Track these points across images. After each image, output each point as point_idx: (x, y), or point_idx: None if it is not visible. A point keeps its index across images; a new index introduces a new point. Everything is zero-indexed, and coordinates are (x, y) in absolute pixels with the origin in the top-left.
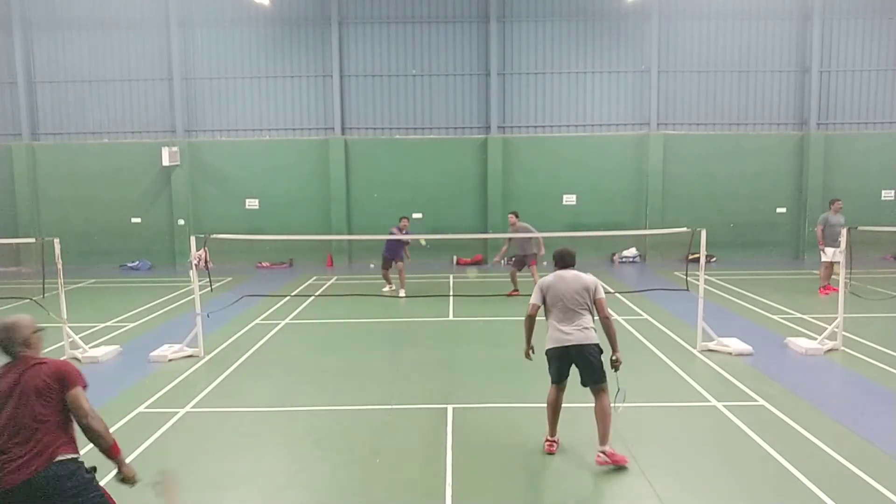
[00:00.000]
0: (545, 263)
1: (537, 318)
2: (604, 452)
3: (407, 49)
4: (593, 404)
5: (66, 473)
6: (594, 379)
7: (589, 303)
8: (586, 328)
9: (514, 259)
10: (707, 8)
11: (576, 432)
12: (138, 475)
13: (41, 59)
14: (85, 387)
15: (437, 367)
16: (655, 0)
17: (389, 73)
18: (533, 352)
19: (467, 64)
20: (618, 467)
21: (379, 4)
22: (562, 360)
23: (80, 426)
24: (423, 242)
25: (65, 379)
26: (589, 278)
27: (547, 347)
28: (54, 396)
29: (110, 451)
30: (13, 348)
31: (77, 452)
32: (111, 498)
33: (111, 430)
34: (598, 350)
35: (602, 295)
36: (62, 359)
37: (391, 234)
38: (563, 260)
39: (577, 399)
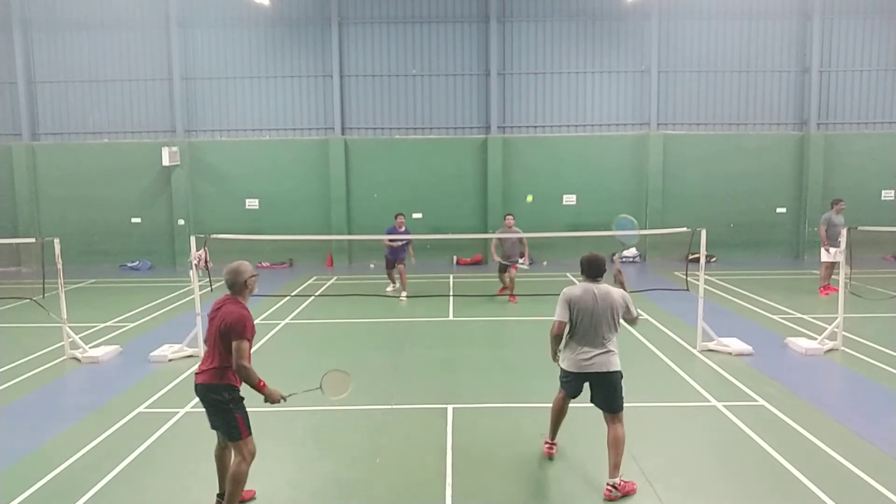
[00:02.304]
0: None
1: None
2: (614, 486)
3: (407, 49)
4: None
5: (213, 392)
6: (611, 407)
7: (617, 323)
8: (610, 352)
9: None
10: (707, 8)
11: (576, 431)
12: (280, 394)
13: (41, 59)
14: (248, 339)
15: (437, 367)
16: (655, 0)
17: (389, 73)
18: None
19: (467, 64)
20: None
21: (379, 4)
22: (579, 382)
23: (234, 366)
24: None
25: (230, 332)
26: (619, 295)
27: (564, 367)
28: (225, 338)
29: (256, 388)
30: (236, 287)
31: (220, 381)
32: (242, 421)
33: (111, 431)
34: (621, 377)
35: (634, 313)
36: (236, 311)
37: (390, 232)
38: (593, 269)
39: (579, 398)
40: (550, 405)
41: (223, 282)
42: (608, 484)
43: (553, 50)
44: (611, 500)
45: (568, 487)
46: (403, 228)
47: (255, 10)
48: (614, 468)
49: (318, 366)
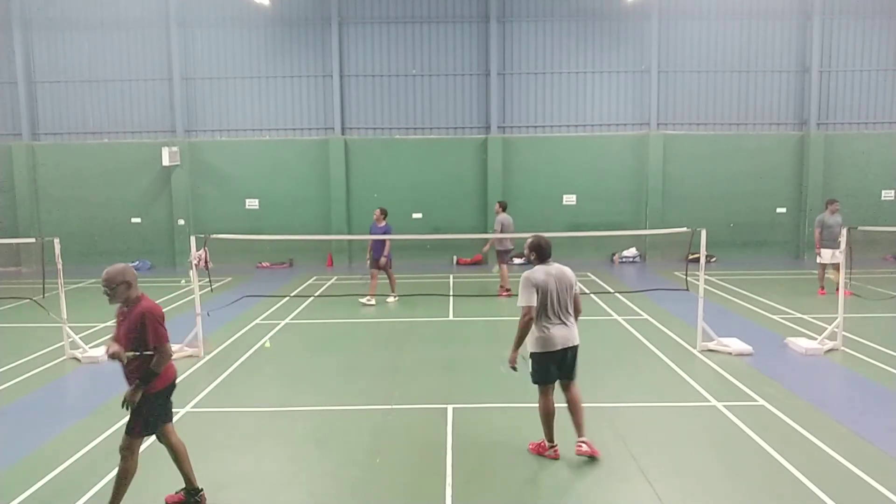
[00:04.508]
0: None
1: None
2: (585, 443)
3: (407, 49)
4: (567, 402)
5: None
6: (571, 375)
7: (573, 299)
8: (573, 327)
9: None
10: (707, 8)
11: (573, 431)
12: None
13: (41, 59)
14: None
15: (437, 367)
16: (655, 0)
17: (389, 73)
18: (524, 360)
19: (467, 64)
20: (619, 469)
21: (379, 4)
22: (552, 362)
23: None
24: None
25: None
26: (571, 272)
27: (539, 350)
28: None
29: None
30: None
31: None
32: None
33: (111, 431)
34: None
35: (578, 289)
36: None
37: (374, 231)
38: (545, 252)
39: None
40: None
41: (224, 282)
42: (579, 441)
43: (553, 50)
44: (583, 454)
45: (567, 487)
46: (381, 224)
47: (255, 10)
48: (581, 427)
49: (318, 366)
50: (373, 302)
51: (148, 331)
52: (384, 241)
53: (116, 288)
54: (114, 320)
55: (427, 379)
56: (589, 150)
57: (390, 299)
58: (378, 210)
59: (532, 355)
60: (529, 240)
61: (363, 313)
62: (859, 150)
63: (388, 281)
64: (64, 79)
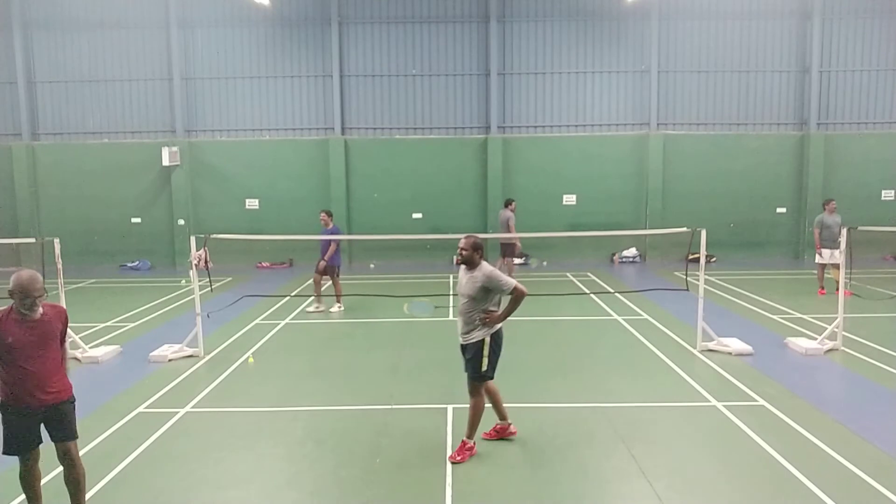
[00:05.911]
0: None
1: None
2: (511, 423)
3: (407, 49)
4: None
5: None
6: None
7: None
8: None
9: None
10: (707, 8)
11: (574, 431)
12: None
13: (41, 59)
14: None
15: (437, 367)
16: (655, 0)
17: (389, 73)
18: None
19: (467, 64)
20: (619, 469)
21: (379, 4)
22: None
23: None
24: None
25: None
26: None
27: (496, 332)
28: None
29: None
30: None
31: None
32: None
33: (111, 431)
34: None
35: None
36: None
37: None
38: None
39: (573, 399)
40: (546, 405)
41: (223, 282)
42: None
43: (553, 50)
44: (513, 434)
45: (567, 486)
46: (329, 227)
47: (255, 10)
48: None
49: (318, 366)
50: (340, 307)
51: (65, 328)
52: (330, 243)
53: (44, 295)
54: (113, 320)
55: (427, 379)
56: (589, 150)
57: (335, 308)
58: (322, 212)
59: (493, 339)
60: (472, 240)
61: (363, 313)
62: (859, 150)
63: (333, 287)
64: (64, 79)
